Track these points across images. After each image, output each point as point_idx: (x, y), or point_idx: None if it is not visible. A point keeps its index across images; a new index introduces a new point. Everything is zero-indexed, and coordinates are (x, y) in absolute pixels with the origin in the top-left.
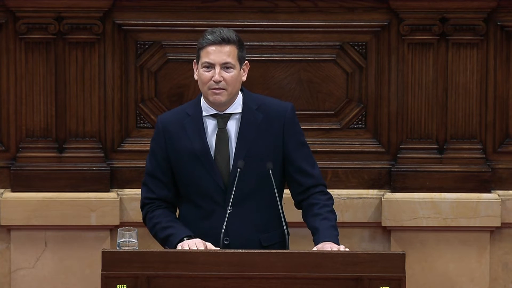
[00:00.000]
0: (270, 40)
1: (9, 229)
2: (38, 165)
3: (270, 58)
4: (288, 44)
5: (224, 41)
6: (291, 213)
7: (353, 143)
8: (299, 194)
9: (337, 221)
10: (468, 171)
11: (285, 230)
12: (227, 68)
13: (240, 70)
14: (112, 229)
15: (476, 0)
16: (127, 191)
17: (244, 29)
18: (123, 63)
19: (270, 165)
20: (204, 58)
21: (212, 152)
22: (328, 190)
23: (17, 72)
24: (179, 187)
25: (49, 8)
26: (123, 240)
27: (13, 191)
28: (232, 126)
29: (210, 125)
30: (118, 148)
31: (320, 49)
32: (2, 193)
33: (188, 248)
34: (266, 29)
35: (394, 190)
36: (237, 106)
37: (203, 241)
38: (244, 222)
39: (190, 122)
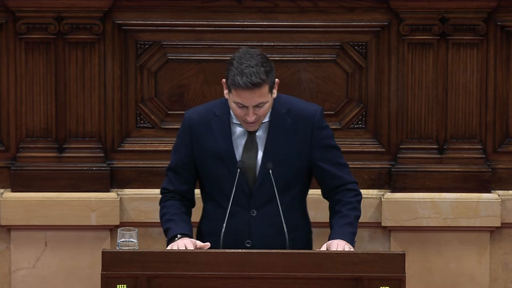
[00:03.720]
0: (270, 40)
1: (9, 229)
2: (38, 165)
3: (270, 58)
4: (288, 44)
5: (254, 85)
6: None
7: (353, 143)
8: (326, 193)
9: (359, 218)
10: (468, 171)
11: (285, 229)
12: (260, 106)
13: (272, 94)
14: (112, 229)
15: (476, 0)
16: (127, 191)
17: (244, 29)
18: (123, 63)
19: (270, 165)
20: (236, 98)
21: (238, 156)
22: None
23: (17, 72)
24: (203, 184)
25: (49, 8)
26: (123, 240)
27: (13, 191)
28: (261, 133)
29: (238, 130)
30: (118, 148)
31: (320, 49)
32: (2, 193)
33: (176, 249)
34: (266, 29)
35: (394, 190)
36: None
37: (193, 241)
38: (267, 225)
39: (217, 123)
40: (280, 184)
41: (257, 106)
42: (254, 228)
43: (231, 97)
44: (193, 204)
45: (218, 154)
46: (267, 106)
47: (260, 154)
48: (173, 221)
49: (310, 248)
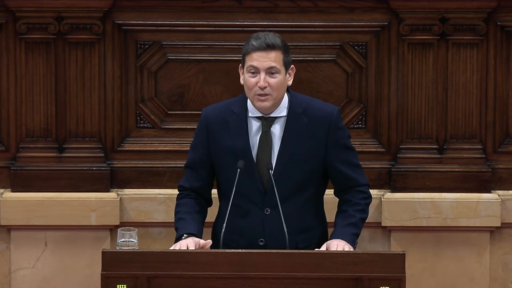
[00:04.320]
0: None
1: (9, 229)
2: (38, 165)
3: None
4: (288, 44)
5: (269, 47)
6: None
7: (353, 143)
8: (337, 192)
9: (365, 220)
10: (468, 171)
11: (284, 228)
12: (272, 73)
13: (286, 74)
14: (112, 229)
15: (476, 0)
16: (127, 191)
17: (244, 29)
18: (123, 63)
19: (270, 165)
20: (249, 62)
21: (254, 154)
22: (327, 190)
23: (17, 72)
24: (219, 183)
25: (49, 8)
26: (123, 240)
27: (13, 191)
28: (277, 130)
29: (254, 126)
30: (118, 148)
31: (320, 49)
32: (2, 193)
33: (176, 249)
34: (266, 29)
35: (394, 190)
36: (282, 110)
37: (196, 240)
38: (281, 224)
39: (235, 121)
40: (295, 184)
41: (270, 72)
42: (267, 227)
43: (245, 67)
44: (209, 202)
45: (234, 152)
46: (279, 79)
47: (275, 152)
48: (183, 220)
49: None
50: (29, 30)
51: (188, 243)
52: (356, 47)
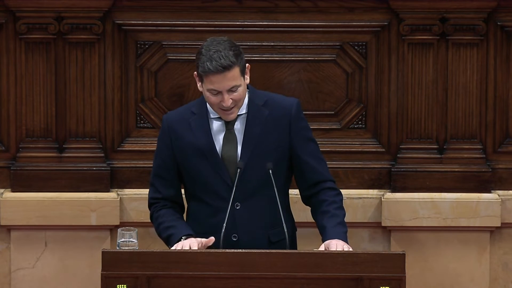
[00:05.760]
0: (270, 40)
1: (9, 229)
2: (38, 165)
3: (270, 58)
4: (288, 44)
5: (225, 68)
6: (294, 212)
7: (353, 143)
8: (306, 189)
9: (345, 217)
10: (468, 171)
11: (285, 228)
12: (233, 90)
13: (245, 79)
14: (112, 229)
15: (476, 0)
16: (127, 191)
17: (244, 29)
18: (123, 63)
19: (270, 165)
20: (209, 85)
21: (219, 149)
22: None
23: (17, 72)
24: (186, 184)
25: (49, 8)
26: (123, 240)
27: (13, 191)
28: (239, 125)
29: (216, 124)
30: (118, 148)
31: (320, 49)
32: (2, 193)
33: (177, 249)
34: (266, 29)
35: (394, 190)
36: (243, 107)
37: (198, 240)
38: (252, 219)
39: (196, 120)
40: (263, 175)
41: (231, 90)
42: (239, 221)
43: (204, 86)
44: (183, 208)
45: (199, 149)
46: (241, 90)
47: (239, 147)
48: (173, 227)
49: (295, 245)
50: (29, 30)
51: (191, 243)
52: (356, 47)
